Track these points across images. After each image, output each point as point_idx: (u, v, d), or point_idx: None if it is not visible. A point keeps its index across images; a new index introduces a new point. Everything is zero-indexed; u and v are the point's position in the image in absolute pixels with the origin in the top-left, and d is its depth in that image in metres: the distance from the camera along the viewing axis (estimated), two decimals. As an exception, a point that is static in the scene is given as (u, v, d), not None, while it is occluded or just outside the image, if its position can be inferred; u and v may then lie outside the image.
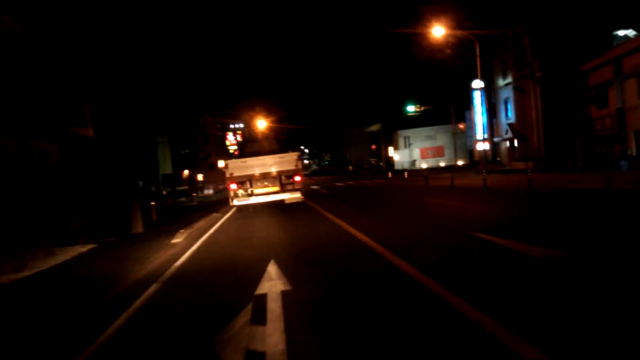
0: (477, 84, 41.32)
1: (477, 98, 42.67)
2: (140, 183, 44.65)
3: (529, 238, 6.92)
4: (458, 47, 36.30)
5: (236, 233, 11.94)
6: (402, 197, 18.21)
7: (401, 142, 69.90)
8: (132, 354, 4.12)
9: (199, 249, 9.63)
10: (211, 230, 12.65)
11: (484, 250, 6.62)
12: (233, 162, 16.38)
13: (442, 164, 63.82)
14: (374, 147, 79.27)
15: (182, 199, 31.65)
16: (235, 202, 15.94)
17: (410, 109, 49.58)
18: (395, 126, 69.35)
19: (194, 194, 28.36)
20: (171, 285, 6.51)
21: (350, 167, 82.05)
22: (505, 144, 40.61)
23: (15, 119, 12.57)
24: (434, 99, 52.05)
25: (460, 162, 52.97)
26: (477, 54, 34.70)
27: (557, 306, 3.99)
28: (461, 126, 48.53)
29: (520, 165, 35.11)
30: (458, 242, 7.40)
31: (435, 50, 36.28)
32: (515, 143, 38.23)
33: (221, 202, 25.72)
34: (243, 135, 68.80)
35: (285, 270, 6.43)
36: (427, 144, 68.57)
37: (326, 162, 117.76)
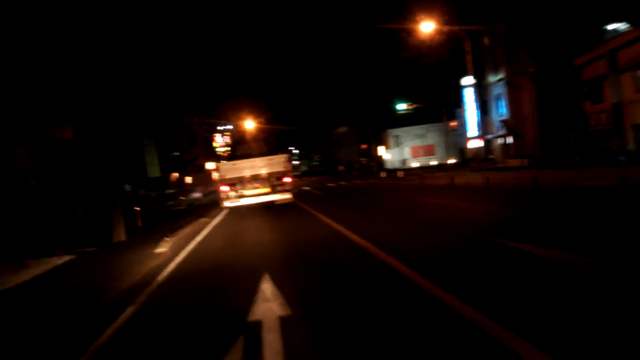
0: (468, 80, 40.74)
1: (469, 95, 42.13)
2: (128, 187, 43.61)
3: (563, 244, 6.10)
4: (448, 43, 35.68)
5: (225, 240, 11.07)
6: (400, 197, 17.43)
7: (391, 141, 69.29)
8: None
9: (184, 259, 8.74)
10: (199, 238, 11.75)
11: (516, 261, 5.66)
12: (224, 165, 16.63)
13: (434, 163, 63.32)
14: (364, 146, 78.61)
15: (170, 202, 30.64)
16: (227, 204, 16.13)
17: (401, 107, 48.95)
18: (385, 125, 68.74)
19: (182, 198, 27.36)
20: (149, 308, 5.62)
21: (341, 167, 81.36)
22: (499, 141, 40.08)
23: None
24: (424, 97, 51.47)
25: (451, 161, 52.40)
26: (468, 50, 34.12)
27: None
28: (453, 124, 47.94)
29: (515, 162, 34.57)
30: (480, 252, 6.43)
31: (425, 46, 35.59)
32: (509, 140, 37.68)
33: (210, 205, 24.81)
34: (232, 137, 67.82)
35: (282, 287, 5.59)
36: (418, 143, 68.07)
37: (316, 163, 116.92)
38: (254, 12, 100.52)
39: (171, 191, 35.00)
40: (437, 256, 6.38)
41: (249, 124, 50.02)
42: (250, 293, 5.41)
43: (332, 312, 4.49)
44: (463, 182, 21.76)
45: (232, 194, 16.02)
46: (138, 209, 16.70)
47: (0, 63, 12.67)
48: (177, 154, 58.76)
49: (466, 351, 3.28)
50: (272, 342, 3.82)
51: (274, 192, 16.12)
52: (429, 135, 67.30)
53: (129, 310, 5.50)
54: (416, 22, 30.99)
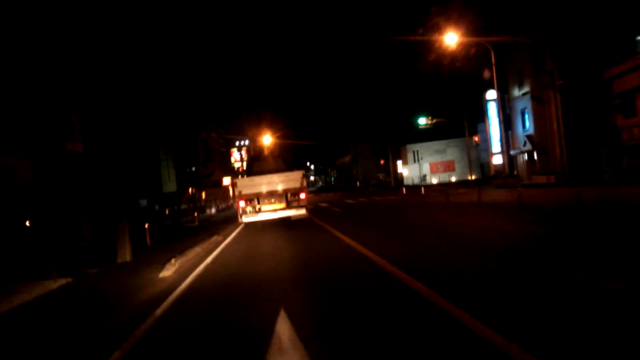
0: (492, 94, 39.59)
1: (492, 109, 40.96)
2: (144, 202, 42.93)
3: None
4: (471, 56, 34.60)
5: (237, 264, 10.04)
6: (434, 218, 16.03)
7: (410, 156, 68.06)
8: None
9: (189, 287, 7.70)
10: (208, 260, 10.73)
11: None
12: (242, 181, 17.37)
13: (453, 179, 61.84)
14: (382, 162, 77.49)
15: (184, 218, 29.80)
16: (245, 219, 16.68)
17: (422, 121, 47.78)
18: (403, 140, 67.62)
19: (196, 214, 26.47)
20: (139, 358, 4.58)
21: (358, 183, 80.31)
22: (523, 157, 38.60)
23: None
24: (445, 111, 50.24)
25: (471, 177, 50.82)
26: (493, 62, 33.02)
27: None
28: (476, 139, 46.65)
29: (541, 179, 33.13)
30: (577, 298, 4.76)
31: (446, 59, 34.48)
32: (535, 156, 36.20)
33: (224, 221, 23.88)
34: (248, 152, 67.28)
35: (301, 328, 4.53)
36: (437, 159, 66.73)
37: (332, 179, 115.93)
38: (275, 27, 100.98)
39: (185, 207, 34.23)
40: (521, 310, 4.63)
41: (267, 139, 49.34)
42: (264, 337, 4.35)
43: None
44: (491, 199, 20.50)
45: (250, 209, 16.49)
46: (147, 225, 15.80)
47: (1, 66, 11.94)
48: (194, 169, 58.26)
49: None
50: None
51: (289, 207, 16.53)
52: (449, 150, 66.00)
53: (115, 357, 4.47)
54: (438, 34, 30.06)
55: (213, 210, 35.79)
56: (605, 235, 8.93)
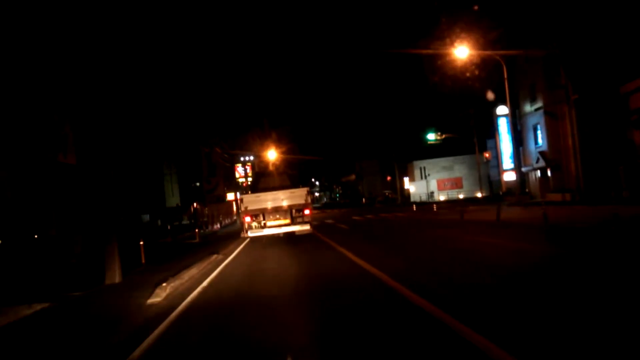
0: (503, 110, 38.59)
1: (503, 125, 39.93)
2: (147, 217, 41.88)
3: None
4: (481, 69, 33.68)
5: (236, 289, 8.92)
6: (450, 237, 14.79)
7: (417, 173, 66.88)
8: None
9: (179, 318, 6.59)
10: (205, 283, 9.60)
11: None
12: (248, 197, 17.55)
13: (461, 196, 60.57)
14: (389, 178, 76.41)
15: (185, 234, 28.75)
16: (250, 234, 16.95)
17: (431, 136, 46.81)
18: (410, 156, 66.56)
19: (197, 230, 25.43)
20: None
21: (363, 200, 79.18)
22: (536, 174, 37.41)
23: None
24: (453, 127, 49.21)
25: (479, 194, 49.51)
26: (505, 76, 32.08)
27: None
28: (487, 155, 45.55)
29: (556, 196, 31.88)
30: None
31: (455, 73, 33.52)
32: (548, 172, 35.02)
33: (226, 238, 22.85)
34: (253, 168, 66.45)
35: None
36: (445, 175, 65.48)
37: (337, 195, 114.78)
38: (281, 41, 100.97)
39: (187, 222, 33.21)
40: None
41: (272, 154, 48.45)
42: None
43: None
44: (508, 217, 19.34)
45: (255, 224, 16.75)
46: (142, 243, 14.74)
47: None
48: (198, 184, 57.43)
49: None
50: None
51: (294, 223, 16.78)
52: (456, 167, 64.84)
53: None
54: (447, 47, 29.21)
55: (217, 226, 34.72)
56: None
